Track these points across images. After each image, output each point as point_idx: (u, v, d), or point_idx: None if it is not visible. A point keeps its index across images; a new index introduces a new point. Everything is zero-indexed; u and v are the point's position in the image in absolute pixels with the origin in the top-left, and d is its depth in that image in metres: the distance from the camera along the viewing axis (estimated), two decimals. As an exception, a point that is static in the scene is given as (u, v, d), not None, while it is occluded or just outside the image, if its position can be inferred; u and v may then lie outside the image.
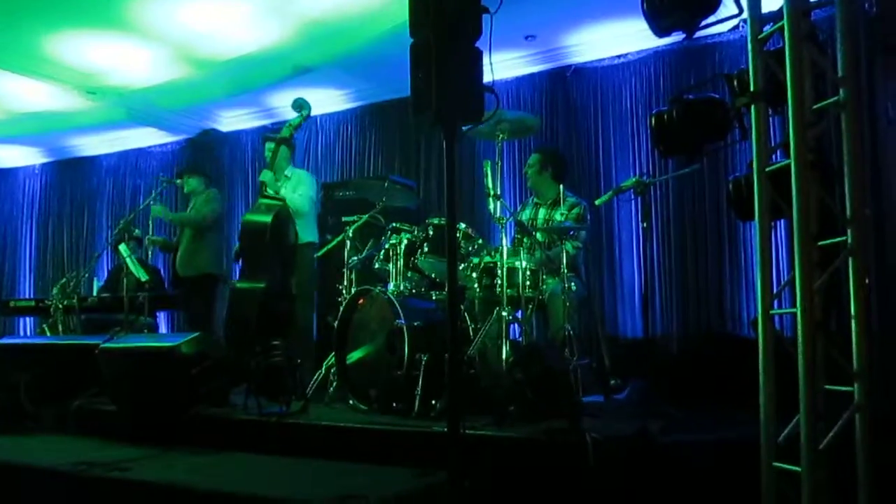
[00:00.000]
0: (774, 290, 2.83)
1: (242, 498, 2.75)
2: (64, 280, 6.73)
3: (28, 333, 9.13)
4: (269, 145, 5.64)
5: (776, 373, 2.70)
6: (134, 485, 3.03)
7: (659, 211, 6.19)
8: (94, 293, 7.01)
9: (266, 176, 5.36)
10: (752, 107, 2.85)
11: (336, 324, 4.51)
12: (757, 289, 2.81)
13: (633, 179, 4.30)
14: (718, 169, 5.89)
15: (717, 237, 6.04)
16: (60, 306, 6.51)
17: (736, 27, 3.51)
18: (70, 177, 9.91)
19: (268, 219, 4.94)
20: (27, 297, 9.46)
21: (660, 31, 3.21)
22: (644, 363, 4.67)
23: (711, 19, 3.06)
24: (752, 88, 2.85)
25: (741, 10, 3.05)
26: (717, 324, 5.96)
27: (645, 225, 4.31)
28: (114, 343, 4.50)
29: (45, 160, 10.13)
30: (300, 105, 5.42)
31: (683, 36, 3.16)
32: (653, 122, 3.14)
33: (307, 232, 5.56)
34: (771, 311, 2.75)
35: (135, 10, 5.99)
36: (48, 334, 6.51)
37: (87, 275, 7.02)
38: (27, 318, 9.11)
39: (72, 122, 8.59)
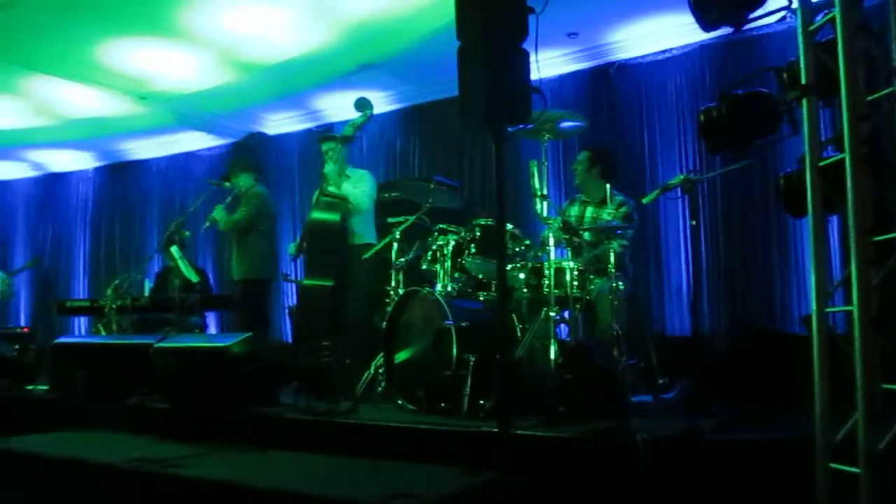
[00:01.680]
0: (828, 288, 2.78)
1: (294, 496, 2.79)
2: (117, 281, 6.88)
3: (82, 333, 9.39)
4: (329, 144, 5.64)
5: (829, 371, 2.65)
6: (187, 482, 3.10)
7: (707, 208, 6.10)
8: (146, 294, 7.18)
9: (329, 167, 5.41)
10: (804, 100, 2.79)
11: (384, 324, 4.55)
12: (808, 286, 2.76)
13: (681, 177, 4.25)
14: (767, 164, 5.79)
15: (765, 233, 5.94)
16: (114, 306, 6.67)
17: (783, 18, 3.45)
18: (121, 180, 10.16)
19: (336, 217, 5.01)
20: (82, 297, 9.73)
21: (707, 26, 3.17)
22: (692, 362, 4.61)
23: (759, 12, 3.01)
24: (802, 81, 2.79)
25: (790, 2, 3.00)
26: (766, 321, 5.86)
27: (694, 223, 4.25)
28: (167, 343, 4.60)
29: (97, 164, 10.41)
30: (363, 104, 5.42)
31: (731, 30, 3.12)
32: (701, 118, 3.10)
33: (367, 232, 5.59)
34: (826, 309, 2.70)
35: (183, 17, 6.12)
36: (102, 334, 6.68)
37: (139, 276, 7.17)
38: (82, 318, 9.36)
39: (123, 126, 8.82)
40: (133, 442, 4.11)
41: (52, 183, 10.88)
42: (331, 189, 5.35)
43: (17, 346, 6.14)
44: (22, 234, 11.01)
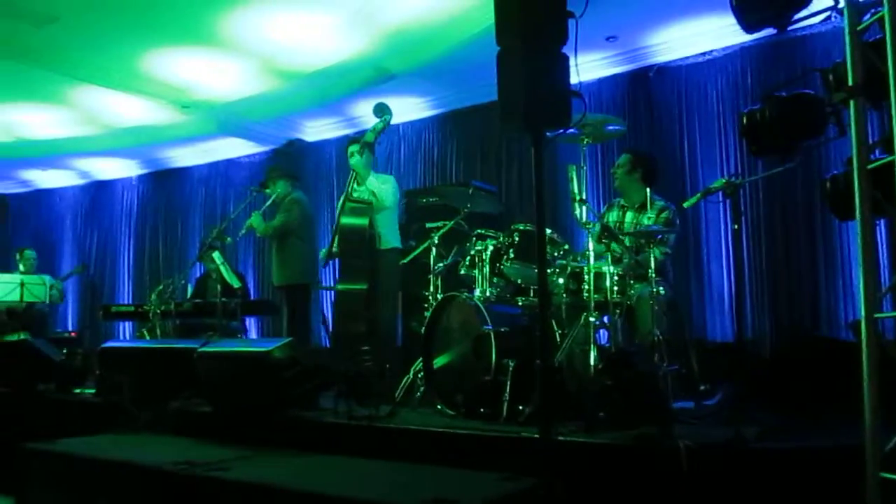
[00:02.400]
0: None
1: (336, 499, 2.80)
2: (160, 286, 7.02)
3: (127, 337, 9.58)
4: (354, 147, 5.72)
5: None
6: (232, 484, 3.14)
7: (749, 211, 6.01)
8: (188, 299, 7.29)
9: (355, 160, 5.49)
10: (851, 102, 2.74)
11: (423, 329, 4.56)
12: (854, 290, 2.71)
13: (723, 180, 4.18)
14: (811, 166, 5.69)
15: (810, 237, 5.83)
16: (157, 311, 6.81)
17: (828, 18, 3.39)
18: (164, 187, 10.36)
19: (365, 221, 5.06)
20: (126, 302, 9.93)
21: (749, 27, 3.13)
22: (735, 368, 4.55)
23: (804, 12, 2.97)
24: (849, 82, 2.74)
25: (837, 1, 2.95)
26: (811, 327, 5.75)
27: (736, 227, 4.19)
28: (210, 347, 4.67)
29: (141, 172, 10.62)
30: (381, 109, 5.49)
31: (773, 31, 3.07)
32: (744, 120, 3.07)
33: (392, 237, 5.63)
34: (875, 314, 2.65)
35: (225, 26, 6.23)
36: (147, 338, 6.81)
37: (182, 281, 7.29)
38: (126, 323, 9.55)
39: (166, 134, 9.00)
40: (178, 444, 4.16)
41: (98, 190, 11.13)
42: (356, 194, 5.40)
43: (65, 351, 6.29)
44: (69, 240, 11.29)
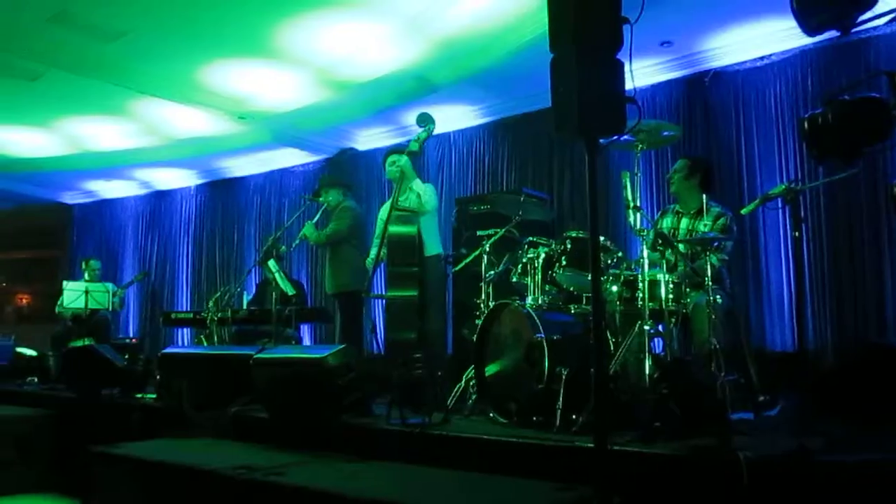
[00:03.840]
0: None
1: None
2: (218, 294, 7.18)
3: (185, 343, 9.81)
4: (394, 157, 5.79)
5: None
6: (289, 489, 3.18)
7: (810, 218, 5.86)
8: (244, 306, 7.44)
9: (396, 170, 5.60)
10: (920, 105, 2.66)
11: (474, 337, 4.56)
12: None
13: (782, 186, 4.09)
14: (875, 172, 5.52)
15: (875, 243, 5.66)
16: (215, 318, 6.95)
17: (894, 20, 3.29)
18: (221, 196, 10.59)
19: (413, 230, 5.08)
20: (185, 309, 10.17)
21: (810, 30, 3.05)
22: (796, 377, 4.43)
23: (868, 14, 2.88)
24: (918, 86, 2.67)
25: (903, 2, 2.87)
26: (877, 335, 5.56)
27: (797, 234, 4.09)
28: (266, 354, 4.74)
29: (199, 181, 10.88)
30: (425, 119, 5.52)
31: (836, 34, 3.00)
32: (805, 125, 2.99)
33: (434, 243, 5.69)
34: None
35: (281, 38, 6.36)
36: (204, 344, 6.96)
37: (238, 289, 7.43)
38: (185, 329, 9.78)
39: (223, 145, 9.22)
40: (235, 449, 4.24)
41: (158, 200, 11.45)
42: (401, 203, 5.45)
43: (127, 356, 6.46)
44: (131, 248, 11.63)
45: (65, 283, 8.78)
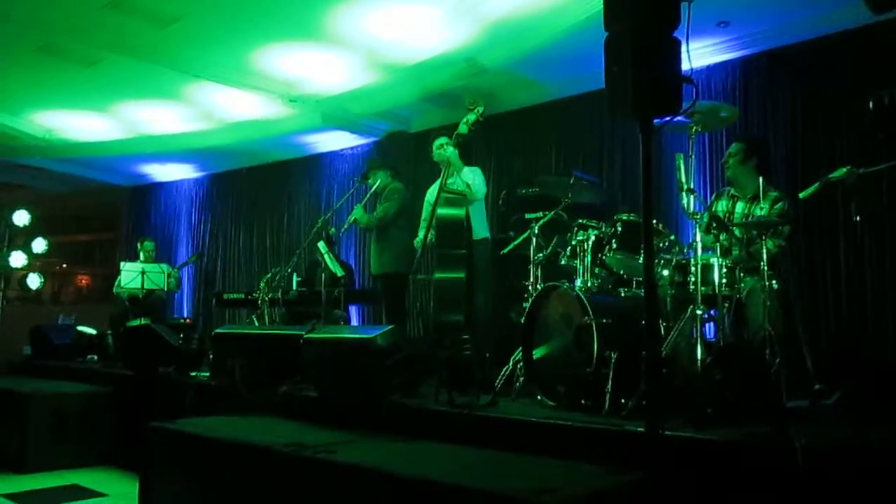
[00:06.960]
0: None
1: (443, 485, 2.84)
2: (269, 275, 7.30)
3: (236, 322, 9.98)
4: (443, 139, 5.81)
5: None
6: (341, 466, 3.24)
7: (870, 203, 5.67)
8: (294, 287, 7.55)
9: (446, 152, 5.63)
10: None
11: (522, 319, 4.55)
12: None
13: (843, 170, 3.97)
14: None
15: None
16: (266, 299, 7.08)
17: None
18: (272, 179, 10.72)
19: (462, 212, 5.09)
20: (237, 290, 10.35)
21: (878, 8, 2.95)
22: (855, 365, 4.32)
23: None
24: None
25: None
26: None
27: (858, 218, 3.96)
28: (315, 334, 4.81)
29: (250, 164, 11.03)
30: (474, 101, 5.51)
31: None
32: (870, 105, 2.90)
33: (482, 228, 5.72)
34: None
35: (331, 21, 6.40)
36: (256, 324, 7.09)
37: (288, 270, 7.54)
38: (237, 309, 9.96)
39: (274, 128, 9.32)
40: (286, 427, 4.32)
41: (211, 183, 11.65)
42: (450, 185, 5.46)
43: (182, 336, 6.61)
44: (185, 230, 11.88)
45: (122, 263, 9.01)
